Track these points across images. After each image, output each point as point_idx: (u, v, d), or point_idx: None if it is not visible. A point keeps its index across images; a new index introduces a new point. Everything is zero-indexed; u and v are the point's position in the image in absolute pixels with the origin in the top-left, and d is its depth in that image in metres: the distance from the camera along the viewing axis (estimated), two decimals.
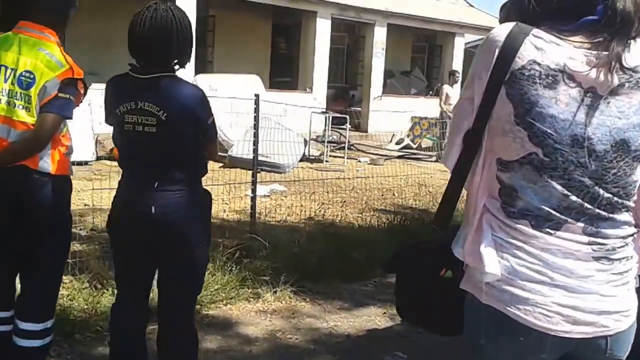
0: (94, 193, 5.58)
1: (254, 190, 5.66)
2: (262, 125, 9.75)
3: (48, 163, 2.73)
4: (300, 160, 11.26)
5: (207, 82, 12.42)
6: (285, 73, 18.40)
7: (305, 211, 6.95)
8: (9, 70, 2.67)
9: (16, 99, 2.65)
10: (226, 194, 7.56)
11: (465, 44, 20.69)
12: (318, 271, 4.73)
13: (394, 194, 8.86)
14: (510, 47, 1.45)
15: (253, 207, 5.61)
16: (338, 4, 16.70)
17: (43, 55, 2.67)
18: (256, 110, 5.53)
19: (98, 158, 10.06)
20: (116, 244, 2.81)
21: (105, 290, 4.02)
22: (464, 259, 1.60)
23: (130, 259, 2.74)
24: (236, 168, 8.67)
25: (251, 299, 4.26)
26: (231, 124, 11.15)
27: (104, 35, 12.88)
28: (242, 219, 6.41)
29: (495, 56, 1.46)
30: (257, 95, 5.59)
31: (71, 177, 2.92)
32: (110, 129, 2.71)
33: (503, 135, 1.49)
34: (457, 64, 19.64)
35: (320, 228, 5.95)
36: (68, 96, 2.68)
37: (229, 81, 12.94)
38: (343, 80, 20.85)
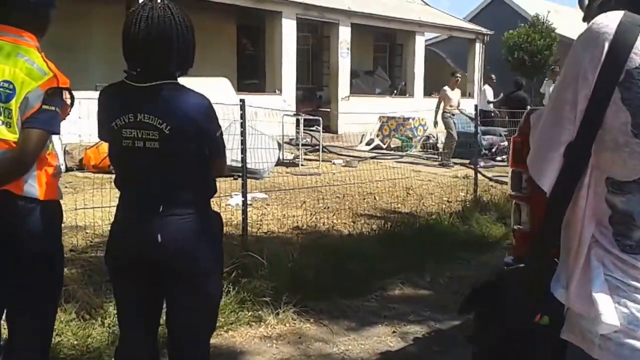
0: (69, 208, 5.20)
1: (244, 202, 5.38)
2: (233, 132, 9.56)
3: (34, 187, 2.38)
4: (276, 165, 10.99)
5: None
6: (253, 75, 18.05)
7: (291, 220, 6.69)
8: None
9: None
10: None
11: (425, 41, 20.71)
12: (318, 288, 4.49)
13: (375, 198, 8.68)
14: (623, 40, 1.21)
15: (245, 220, 5.32)
16: (302, 3, 16.46)
17: (23, 63, 2.34)
18: (242, 116, 5.26)
19: (67, 169, 9.58)
20: (117, 278, 2.51)
21: (95, 321, 3.70)
22: (570, 304, 1.34)
23: (133, 295, 2.45)
24: None
25: (253, 323, 3.99)
26: None
27: (65, 39, 12.36)
28: (229, 232, 6.11)
29: (605, 51, 1.22)
30: (242, 101, 5.32)
31: (61, 201, 2.60)
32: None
33: (615, 149, 1.25)
34: (419, 63, 19.65)
35: (312, 239, 5.70)
36: (53, 108, 2.34)
37: (198, 85, 12.34)
38: (309, 81, 20.60)
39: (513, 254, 3.05)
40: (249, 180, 5.49)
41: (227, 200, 7.13)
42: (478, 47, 21.18)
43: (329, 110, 17.74)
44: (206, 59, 16.13)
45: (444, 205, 7.60)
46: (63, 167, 9.49)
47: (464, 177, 11.05)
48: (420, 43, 19.86)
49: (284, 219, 6.75)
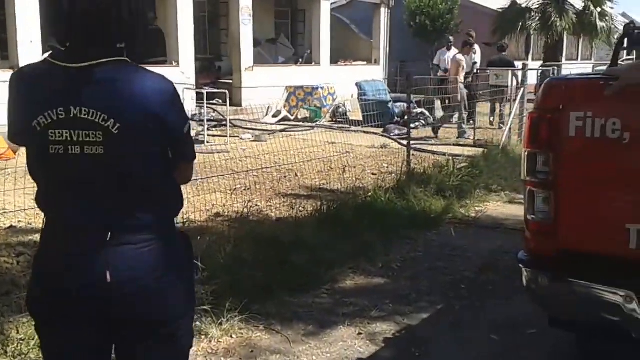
0: None
1: None
2: None
3: None
4: None
5: None
6: (146, 46, 16.71)
7: (211, 207, 5.99)
8: None
9: None
10: None
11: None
12: (262, 287, 3.87)
13: (296, 175, 8.09)
14: None
15: None
16: None
17: None
18: None
19: None
20: (46, 329, 1.78)
21: None
22: None
23: (71, 353, 1.74)
24: None
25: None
26: None
27: None
28: None
29: None
30: None
31: None
32: None
33: None
34: (325, 30, 19.07)
35: (243, 229, 5.03)
36: None
37: None
38: (207, 51, 19.53)
39: (526, 248, 2.57)
40: None
41: None
42: (383, 12, 20.77)
43: (230, 81, 16.86)
44: None
45: (376, 180, 7.13)
46: None
47: (381, 147, 10.69)
48: (325, 8, 19.20)
49: (201, 205, 6.03)
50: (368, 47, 21.56)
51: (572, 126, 2.29)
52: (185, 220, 5.63)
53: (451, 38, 14.78)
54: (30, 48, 11.33)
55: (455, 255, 4.91)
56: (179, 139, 1.71)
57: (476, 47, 13.77)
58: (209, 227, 5.40)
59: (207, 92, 12.95)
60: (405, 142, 10.67)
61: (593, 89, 2.36)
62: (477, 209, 6.27)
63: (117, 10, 1.59)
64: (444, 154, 8.96)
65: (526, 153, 2.45)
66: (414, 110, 13.45)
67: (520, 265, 2.52)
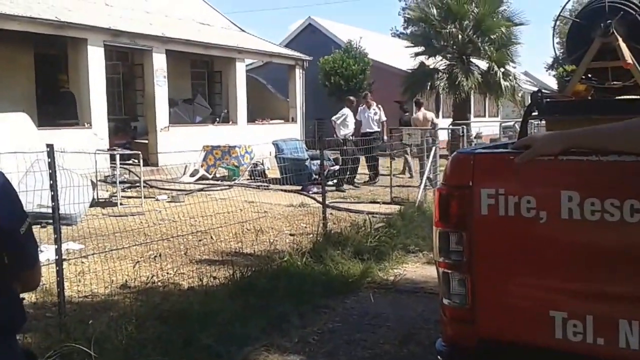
0: None
1: (59, 259, 4.25)
2: (37, 169, 8.17)
3: None
4: (90, 206, 9.62)
5: None
6: (57, 108, 16.13)
7: (117, 276, 5.61)
8: None
9: None
10: None
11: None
12: None
13: (212, 237, 7.79)
14: None
15: (61, 283, 4.18)
16: (110, 29, 15.11)
17: None
18: (51, 163, 4.17)
19: None
20: None
21: None
22: None
23: None
24: None
25: None
26: None
27: None
28: (40, 301, 4.91)
29: None
30: (50, 146, 4.22)
31: None
32: None
33: None
34: (241, 89, 19.11)
35: (148, 302, 4.69)
36: None
37: None
38: (122, 111, 19.09)
39: (444, 337, 2.32)
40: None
41: None
42: (298, 72, 21.14)
43: (146, 141, 16.47)
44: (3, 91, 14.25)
45: (292, 242, 6.94)
46: None
47: (299, 206, 10.56)
48: (241, 69, 19.32)
49: (107, 276, 5.64)
50: (284, 106, 21.75)
51: (483, 204, 2.09)
52: (88, 295, 5.25)
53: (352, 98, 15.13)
54: None
55: (375, 325, 4.68)
56: (15, 241, 1.44)
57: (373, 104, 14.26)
58: (113, 301, 5.02)
59: (120, 153, 12.54)
60: (319, 201, 10.67)
61: (504, 164, 2.14)
62: (395, 271, 6.15)
63: None
64: (362, 212, 8.91)
65: (437, 231, 2.23)
66: (332, 168, 13.50)
67: (439, 358, 2.29)
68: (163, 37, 16.40)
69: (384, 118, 14.09)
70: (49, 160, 4.16)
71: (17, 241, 1.44)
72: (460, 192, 2.14)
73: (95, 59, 14.81)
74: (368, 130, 13.91)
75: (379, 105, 14.27)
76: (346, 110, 13.93)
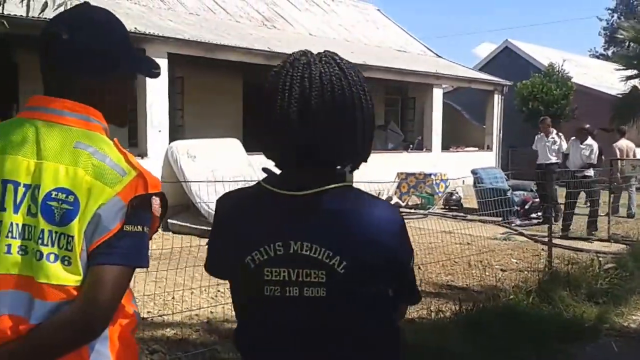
0: None
1: None
2: None
3: (105, 355, 1.39)
4: None
5: (184, 149, 11.22)
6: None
7: None
8: (21, 190, 1.36)
9: (41, 242, 1.34)
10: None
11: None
12: None
13: (419, 268, 7.65)
14: None
15: None
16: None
17: (87, 157, 1.38)
18: None
19: None
20: None
21: None
22: None
23: None
24: None
25: None
26: (217, 194, 9.87)
27: None
28: None
29: None
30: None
31: None
32: None
33: None
34: (437, 116, 18.89)
35: None
36: (140, 228, 1.38)
37: (207, 146, 11.75)
38: None
39: None
40: None
41: None
42: (497, 98, 20.41)
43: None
44: (212, 118, 15.46)
45: (511, 279, 6.59)
46: None
47: (505, 239, 10.09)
48: (438, 95, 19.12)
49: None
50: (479, 133, 21.15)
51: None
52: None
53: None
54: (158, 137, 11.87)
55: None
56: (404, 274, 1.43)
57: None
58: None
59: None
60: (535, 236, 10.08)
61: None
62: (634, 317, 5.58)
63: (354, 128, 1.35)
64: (588, 251, 8.21)
65: None
66: (535, 200, 12.78)
67: None
68: (364, 64, 16.77)
69: (564, 147, 12.13)
70: None
71: (407, 274, 1.45)
72: None
73: None
74: (544, 162, 12.13)
75: (560, 133, 12.44)
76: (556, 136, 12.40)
